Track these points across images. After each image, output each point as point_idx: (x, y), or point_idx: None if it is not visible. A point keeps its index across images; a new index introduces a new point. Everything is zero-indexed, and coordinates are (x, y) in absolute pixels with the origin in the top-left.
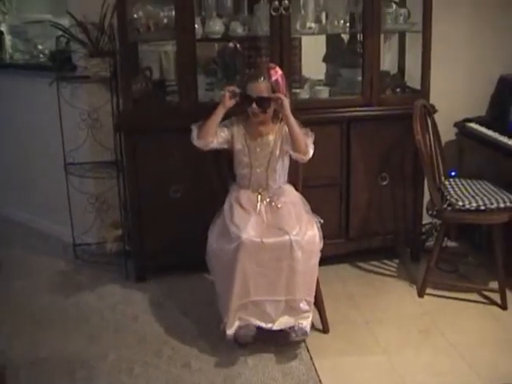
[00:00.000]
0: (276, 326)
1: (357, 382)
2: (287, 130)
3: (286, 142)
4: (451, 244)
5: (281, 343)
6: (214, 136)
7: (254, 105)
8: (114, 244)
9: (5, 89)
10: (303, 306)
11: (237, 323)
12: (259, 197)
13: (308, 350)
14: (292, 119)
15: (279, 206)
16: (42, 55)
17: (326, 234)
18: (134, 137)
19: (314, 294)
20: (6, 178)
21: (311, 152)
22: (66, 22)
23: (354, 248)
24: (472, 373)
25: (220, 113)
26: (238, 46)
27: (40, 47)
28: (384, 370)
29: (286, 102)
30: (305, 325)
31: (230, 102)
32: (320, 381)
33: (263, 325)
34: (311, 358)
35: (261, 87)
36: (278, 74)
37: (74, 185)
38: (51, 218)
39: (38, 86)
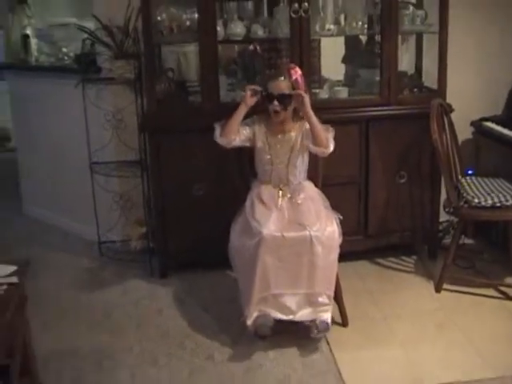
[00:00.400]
0: (297, 318)
1: (375, 374)
2: (308, 126)
3: (307, 137)
4: (468, 241)
5: (301, 336)
6: (237, 134)
7: (276, 102)
8: (139, 242)
9: (31, 90)
10: (323, 299)
11: (256, 314)
12: (280, 192)
13: (328, 343)
14: (313, 115)
15: (299, 202)
16: (66, 58)
17: (345, 230)
18: (158, 136)
19: (333, 288)
20: (34, 177)
21: (332, 146)
22: (90, 25)
23: (373, 245)
24: (487, 366)
25: (242, 111)
26: (258, 47)
27: (65, 50)
28: (401, 363)
29: (307, 99)
30: (325, 317)
31: (251, 100)
32: (340, 372)
33: (284, 317)
34: (331, 351)
35: (282, 85)
36: (297, 73)
37: (100, 184)
38: (77, 217)
39: (63, 88)
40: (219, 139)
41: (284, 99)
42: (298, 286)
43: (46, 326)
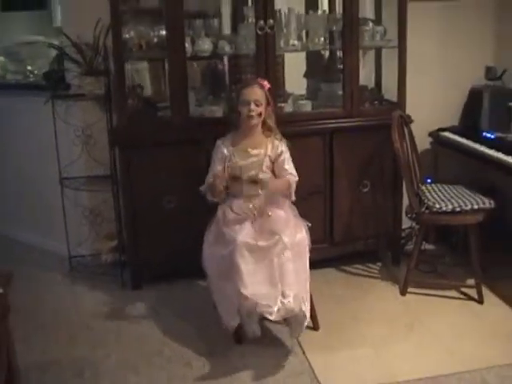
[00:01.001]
0: (275, 316)
1: (348, 373)
2: (276, 143)
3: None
4: (429, 247)
5: (275, 341)
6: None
7: (252, 105)
8: (109, 255)
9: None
10: (297, 300)
11: (237, 318)
12: (251, 205)
13: (301, 346)
14: (276, 191)
15: (270, 213)
16: (32, 75)
17: (312, 239)
18: (128, 151)
19: (308, 292)
20: (2, 194)
21: (293, 194)
22: (56, 42)
23: (339, 252)
24: (455, 361)
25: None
26: (219, 64)
27: (29, 68)
28: (373, 362)
29: (267, 183)
30: (303, 310)
31: (220, 184)
32: (314, 373)
33: (264, 311)
34: (304, 353)
35: (256, 91)
36: (267, 86)
37: (69, 199)
38: (47, 232)
39: (32, 105)
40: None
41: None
42: (273, 287)
43: (25, 338)
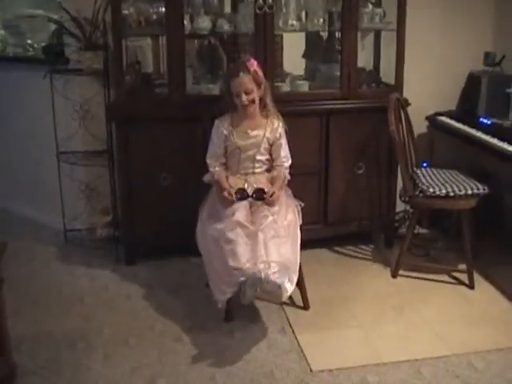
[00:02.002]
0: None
1: (335, 352)
2: (275, 125)
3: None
4: (423, 231)
5: (264, 319)
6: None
7: (244, 97)
8: (104, 230)
9: None
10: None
11: (227, 293)
12: (246, 184)
13: (290, 325)
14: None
15: (265, 189)
16: (31, 49)
17: (306, 219)
18: (125, 126)
19: (297, 271)
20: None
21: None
22: (56, 16)
23: (332, 233)
24: (442, 344)
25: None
26: (212, 40)
27: (29, 41)
28: (360, 342)
29: (277, 194)
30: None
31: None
32: (302, 351)
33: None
34: (293, 332)
35: (244, 80)
36: (254, 64)
37: (66, 173)
38: (43, 206)
39: (31, 79)
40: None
41: (259, 193)
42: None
43: (18, 311)
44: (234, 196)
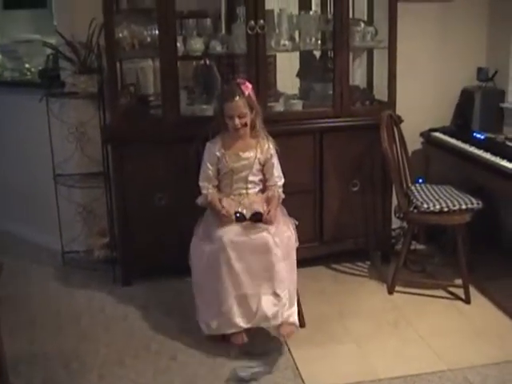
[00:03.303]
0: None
1: (331, 369)
2: (266, 148)
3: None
4: (420, 247)
5: (260, 337)
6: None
7: (237, 120)
8: (102, 251)
9: None
10: (284, 300)
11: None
12: (240, 207)
13: (286, 343)
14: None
15: (259, 210)
16: (29, 73)
17: (302, 237)
18: (121, 148)
19: (295, 290)
20: None
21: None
22: (53, 41)
23: (328, 251)
24: (438, 359)
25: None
26: (208, 62)
27: (27, 65)
28: (356, 358)
29: (274, 215)
30: (291, 320)
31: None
32: (297, 369)
33: (247, 325)
34: (289, 350)
35: (238, 104)
36: (248, 88)
37: (63, 195)
38: (41, 228)
39: (27, 102)
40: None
41: (257, 216)
42: (260, 287)
43: (13, 331)
44: (234, 216)
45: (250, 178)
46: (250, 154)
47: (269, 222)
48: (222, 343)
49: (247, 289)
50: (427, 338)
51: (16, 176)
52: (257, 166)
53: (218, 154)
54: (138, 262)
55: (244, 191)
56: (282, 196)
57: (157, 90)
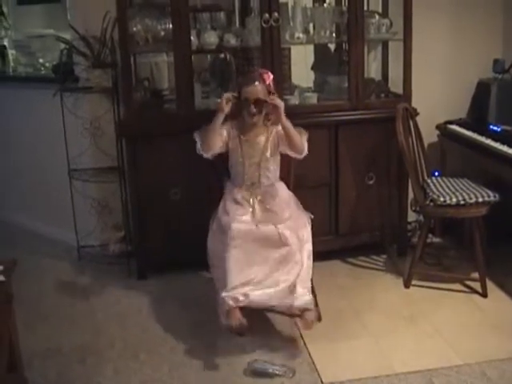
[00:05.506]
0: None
1: (346, 363)
2: (279, 131)
3: (282, 143)
4: (436, 240)
5: (276, 331)
6: (217, 145)
7: (252, 106)
8: (117, 245)
9: (9, 100)
10: (302, 290)
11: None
12: (252, 197)
13: (302, 337)
14: (287, 121)
15: (267, 206)
16: (43, 68)
17: (317, 231)
18: (135, 143)
19: (309, 282)
20: (13, 185)
21: (306, 149)
22: (67, 36)
23: (344, 244)
24: (455, 354)
25: (219, 119)
26: (228, 56)
27: (41, 60)
28: (372, 352)
29: (282, 108)
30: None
31: (227, 107)
32: (314, 363)
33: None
34: (305, 344)
35: (257, 89)
36: (270, 78)
37: (78, 190)
38: (56, 222)
39: (41, 98)
40: (204, 154)
41: (259, 103)
42: (273, 280)
43: (28, 326)
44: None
45: (263, 164)
46: (262, 138)
47: (274, 103)
48: (238, 337)
49: (254, 277)
50: (444, 332)
51: (31, 171)
52: (268, 151)
53: (230, 131)
54: (153, 256)
55: (256, 179)
56: (306, 145)
57: (171, 84)
